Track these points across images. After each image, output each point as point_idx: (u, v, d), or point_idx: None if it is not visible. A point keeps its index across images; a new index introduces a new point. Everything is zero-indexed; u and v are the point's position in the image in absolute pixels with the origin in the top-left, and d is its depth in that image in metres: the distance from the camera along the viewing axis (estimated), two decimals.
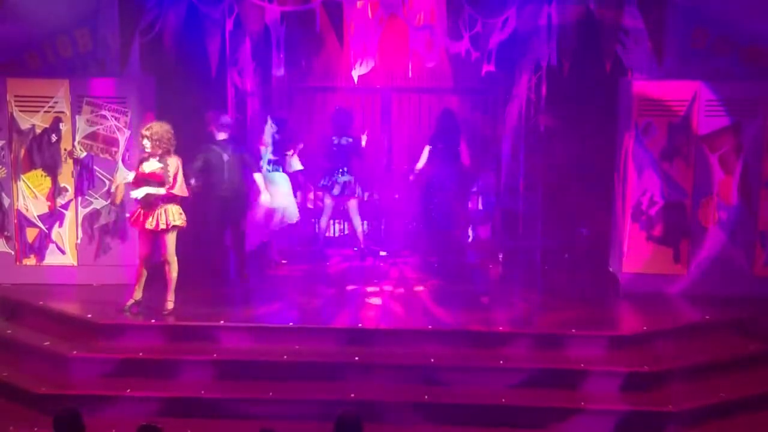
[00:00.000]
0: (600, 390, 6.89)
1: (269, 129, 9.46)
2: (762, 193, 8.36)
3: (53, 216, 8.67)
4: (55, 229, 8.68)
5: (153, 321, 7.63)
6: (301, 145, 9.82)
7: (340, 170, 9.68)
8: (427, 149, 9.66)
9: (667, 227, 8.46)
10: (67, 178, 8.61)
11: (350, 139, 9.72)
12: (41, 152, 8.57)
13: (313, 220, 10.45)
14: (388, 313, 8.14)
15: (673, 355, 7.28)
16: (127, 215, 8.33)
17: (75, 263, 8.70)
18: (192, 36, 8.39)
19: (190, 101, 9.04)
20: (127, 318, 7.68)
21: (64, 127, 8.53)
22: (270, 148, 9.42)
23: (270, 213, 9.40)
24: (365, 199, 10.31)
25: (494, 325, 7.77)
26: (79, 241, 8.68)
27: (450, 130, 9.59)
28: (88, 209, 8.65)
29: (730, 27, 8.18)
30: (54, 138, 8.55)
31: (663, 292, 8.41)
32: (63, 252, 8.70)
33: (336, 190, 9.69)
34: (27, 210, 8.65)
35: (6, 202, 8.64)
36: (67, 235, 8.68)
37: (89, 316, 7.70)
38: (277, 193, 9.34)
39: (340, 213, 10.32)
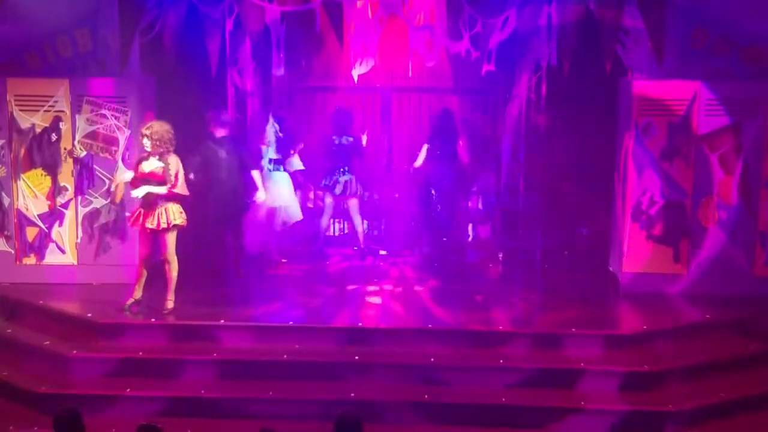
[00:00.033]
0: (600, 390, 6.89)
1: (271, 128, 9.46)
2: (762, 193, 8.36)
3: (53, 215, 8.67)
4: (55, 229, 8.68)
5: (153, 320, 7.63)
6: (301, 145, 9.82)
7: (341, 170, 9.69)
8: (425, 148, 9.67)
9: (667, 227, 8.46)
10: (67, 177, 8.61)
11: (351, 139, 9.72)
12: (41, 151, 8.57)
13: (313, 219, 10.44)
14: (388, 313, 8.14)
15: (673, 355, 7.28)
16: (127, 214, 8.34)
17: (75, 262, 8.71)
18: (192, 36, 8.40)
19: (190, 101, 9.06)
20: (127, 317, 7.67)
21: (64, 127, 8.53)
22: (273, 147, 9.42)
23: (272, 213, 9.41)
24: (365, 198, 10.31)
25: (494, 325, 7.77)
26: (79, 240, 8.68)
27: (447, 129, 9.60)
28: (88, 208, 8.66)
29: (730, 27, 8.18)
30: (54, 137, 8.56)
31: (663, 292, 8.42)
32: (63, 251, 8.70)
33: (338, 190, 9.70)
34: (27, 209, 8.65)
35: (6, 201, 8.64)
36: (67, 234, 8.68)
37: (89, 315, 7.70)
38: (278, 193, 9.36)
39: (341, 212, 10.33)
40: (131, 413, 6.59)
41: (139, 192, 7.52)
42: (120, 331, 7.53)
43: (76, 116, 8.50)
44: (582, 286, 8.85)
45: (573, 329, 7.44)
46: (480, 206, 10.60)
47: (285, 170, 9.52)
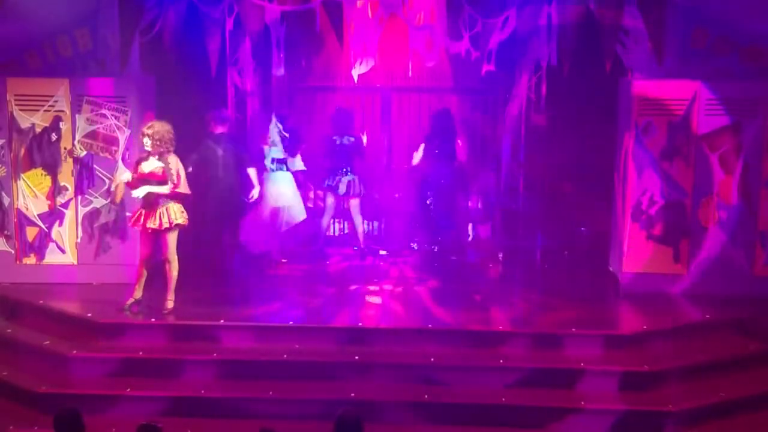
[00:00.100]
0: (600, 389, 6.89)
1: (274, 128, 9.47)
2: (762, 192, 8.36)
3: (53, 215, 8.67)
4: (55, 228, 8.68)
5: (153, 320, 7.63)
6: (303, 145, 9.83)
7: (344, 170, 9.68)
8: (422, 147, 9.69)
9: (667, 227, 8.46)
10: (67, 177, 8.61)
11: (352, 139, 9.72)
12: (41, 151, 8.57)
13: (313, 219, 10.44)
14: (388, 313, 8.14)
15: (673, 355, 7.28)
16: (128, 214, 8.35)
17: (75, 262, 8.71)
18: (192, 36, 8.40)
19: (190, 101, 9.07)
20: (127, 317, 7.67)
21: (64, 126, 8.53)
22: (280, 147, 9.43)
23: (275, 213, 9.42)
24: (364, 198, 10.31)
25: (494, 325, 7.77)
26: (79, 240, 8.68)
27: (446, 129, 9.61)
28: (88, 208, 8.65)
29: (730, 27, 8.18)
30: (54, 137, 8.55)
31: (663, 292, 8.41)
32: (63, 251, 8.70)
33: (341, 190, 9.69)
34: (27, 209, 8.65)
35: (6, 201, 8.64)
36: (67, 234, 8.68)
37: (89, 315, 7.70)
38: (281, 193, 9.38)
39: (341, 212, 10.33)
40: (131, 413, 6.58)
41: (140, 192, 7.52)
42: (120, 331, 7.53)
43: (76, 116, 8.50)
44: (582, 286, 8.86)
45: (573, 329, 7.44)
46: (480, 206, 10.60)
47: (288, 170, 9.53)
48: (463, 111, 10.57)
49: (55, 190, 8.62)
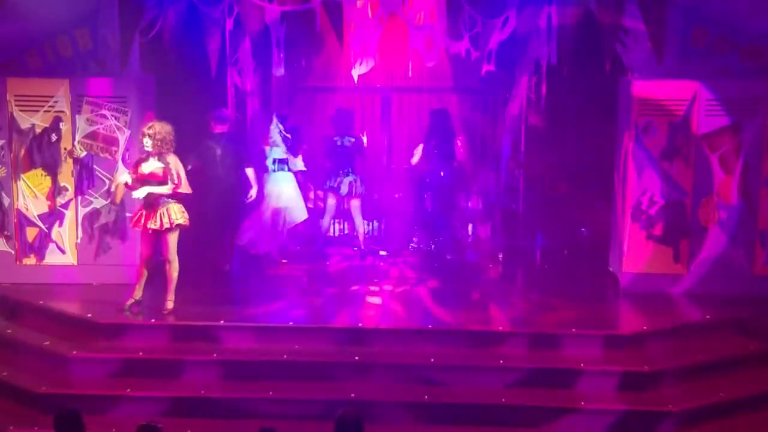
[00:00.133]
0: (600, 389, 6.89)
1: (275, 128, 9.47)
2: (762, 192, 8.36)
3: (53, 215, 8.66)
4: (55, 229, 8.68)
5: (153, 320, 7.63)
6: (304, 146, 9.83)
7: (346, 170, 9.67)
8: (420, 147, 9.71)
9: (667, 227, 8.46)
10: (67, 177, 8.61)
11: (352, 140, 9.71)
12: (41, 152, 8.57)
13: (313, 219, 10.45)
14: (388, 313, 8.14)
15: (673, 355, 7.28)
16: (128, 215, 8.35)
17: (75, 263, 8.70)
18: (192, 36, 8.40)
19: (190, 101, 9.07)
20: (127, 317, 7.67)
21: (64, 127, 8.53)
22: (282, 148, 9.43)
23: (276, 213, 9.43)
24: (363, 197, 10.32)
25: (494, 325, 7.78)
26: (79, 240, 8.68)
27: (444, 129, 9.62)
28: (88, 209, 8.65)
29: (730, 26, 8.18)
30: (54, 137, 8.55)
31: (663, 292, 8.41)
32: (63, 251, 8.70)
33: (344, 190, 9.68)
34: (27, 209, 8.65)
35: (6, 201, 8.64)
36: (67, 234, 8.68)
37: (89, 315, 7.71)
38: (281, 193, 9.39)
39: (342, 212, 10.33)
40: (131, 413, 6.59)
41: (140, 193, 7.51)
42: (120, 331, 7.53)
43: (76, 116, 8.50)
44: (582, 286, 8.85)
45: (573, 329, 7.44)
46: (480, 206, 10.60)
47: (289, 170, 9.53)
48: (463, 111, 10.57)
49: (55, 190, 8.62)
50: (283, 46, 9.09)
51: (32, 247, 8.69)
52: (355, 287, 8.86)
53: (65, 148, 8.55)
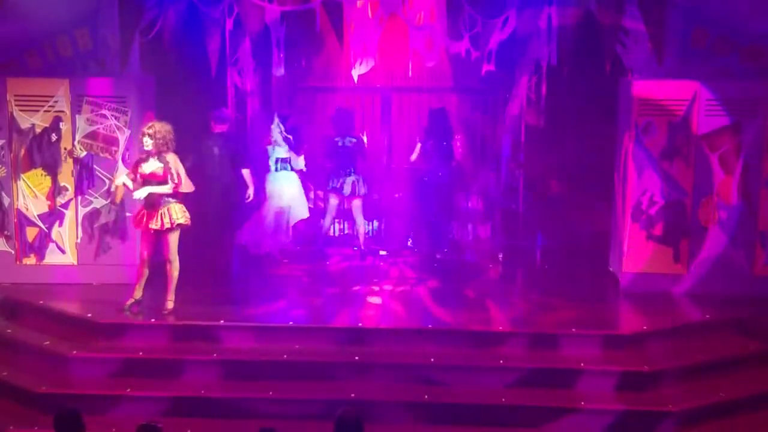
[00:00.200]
0: (600, 390, 6.89)
1: (276, 128, 9.47)
2: (762, 193, 8.36)
3: (53, 215, 8.66)
4: (55, 229, 8.68)
5: (153, 320, 7.63)
6: (305, 146, 9.84)
7: (348, 171, 9.66)
8: (418, 146, 9.71)
9: (667, 227, 8.46)
10: (67, 177, 8.61)
11: (353, 140, 9.71)
12: (41, 151, 8.57)
13: (313, 219, 10.45)
14: (388, 313, 8.14)
15: (673, 355, 7.28)
16: (128, 214, 8.36)
17: (75, 262, 8.70)
18: (192, 36, 8.41)
19: (190, 101, 9.07)
20: (127, 317, 7.67)
21: (64, 127, 8.53)
22: (284, 147, 9.44)
23: (279, 214, 9.43)
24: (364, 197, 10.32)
25: (494, 325, 7.77)
26: (79, 240, 8.68)
27: (441, 128, 9.62)
28: (88, 208, 8.65)
29: (730, 27, 8.18)
30: (54, 137, 8.55)
31: (663, 292, 8.41)
32: (63, 251, 8.70)
33: (346, 190, 9.68)
34: (27, 209, 8.65)
35: (6, 201, 8.64)
36: (67, 234, 8.68)
37: (89, 315, 7.70)
38: (285, 192, 9.39)
39: (342, 212, 10.32)
40: (131, 413, 6.59)
41: (141, 193, 7.51)
42: (120, 331, 7.53)
43: (76, 116, 8.50)
44: (582, 286, 8.85)
45: (573, 329, 7.44)
46: (480, 206, 10.60)
47: (292, 169, 9.53)
48: (463, 111, 10.57)
49: (55, 190, 8.62)
50: (283, 46, 9.09)
51: (32, 246, 8.69)
52: (355, 287, 8.86)
53: (65, 148, 8.55)
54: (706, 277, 8.42)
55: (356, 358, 7.14)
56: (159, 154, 7.50)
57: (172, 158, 7.55)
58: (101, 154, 8.57)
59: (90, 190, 8.63)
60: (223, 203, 8.91)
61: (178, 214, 7.54)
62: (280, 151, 9.44)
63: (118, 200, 8.57)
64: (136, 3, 8.15)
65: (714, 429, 6.66)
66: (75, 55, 8.54)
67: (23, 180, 8.61)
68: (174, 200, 7.56)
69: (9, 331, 7.84)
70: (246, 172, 9.04)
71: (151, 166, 7.54)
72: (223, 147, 8.90)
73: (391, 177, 10.70)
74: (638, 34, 8.34)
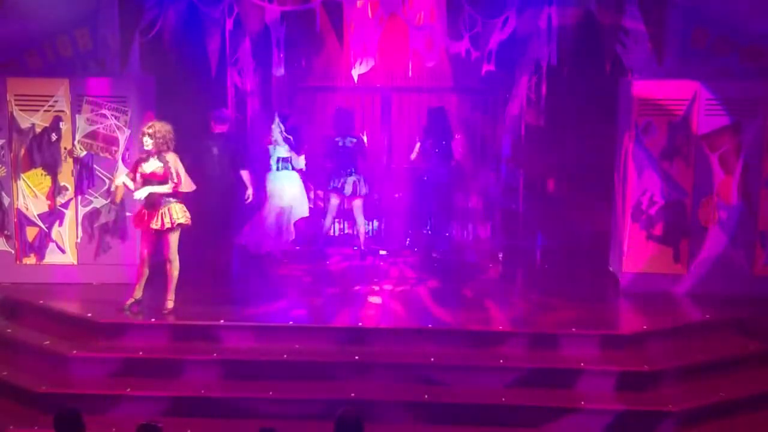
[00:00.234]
0: (600, 389, 6.89)
1: (276, 128, 9.47)
2: (762, 193, 8.36)
3: (53, 215, 8.66)
4: (55, 228, 8.68)
5: (153, 320, 7.63)
6: (306, 145, 9.84)
7: (349, 171, 9.66)
8: (417, 146, 9.72)
9: (667, 227, 8.47)
10: (67, 177, 8.61)
11: (354, 140, 9.70)
12: (41, 151, 8.57)
13: (313, 219, 10.45)
14: (388, 313, 8.14)
15: (673, 355, 7.28)
16: (128, 214, 8.36)
17: (75, 262, 8.70)
18: (192, 36, 8.41)
19: (190, 101, 9.07)
20: (128, 317, 7.67)
21: (64, 126, 8.53)
22: (285, 147, 9.44)
23: (281, 214, 9.43)
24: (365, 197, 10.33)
25: (494, 325, 7.77)
26: (79, 240, 8.68)
27: (439, 127, 9.62)
28: (88, 208, 8.65)
29: (730, 27, 8.18)
30: (54, 137, 8.55)
31: (663, 292, 8.41)
32: (63, 251, 8.70)
33: (348, 190, 9.67)
34: (27, 209, 8.65)
35: (6, 201, 8.64)
36: (67, 234, 8.68)
37: (89, 315, 7.70)
38: (286, 191, 9.40)
39: (342, 212, 10.33)
40: (131, 413, 6.59)
41: (142, 193, 7.51)
42: (120, 330, 7.53)
43: (76, 116, 8.50)
44: (582, 286, 8.85)
45: (573, 329, 7.44)
46: (480, 206, 10.60)
47: (293, 169, 9.54)
48: (463, 111, 10.57)
49: (55, 190, 8.62)
50: (283, 46, 9.10)
51: (32, 246, 8.69)
52: (355, 287, 8.86)
53: (65, 148, 8.55)
54: (706, 277, 8.42)
55: (356, 357, 7.14)
56: (159, 153, 7.51)
57: (172, 158, 7.55)
58: (101, 154, 8.57)
59: (90, 190, 8.63)
60: (223, 203, 8.93)
61: (178, 213, 7.54)
62: (282, 150, 9.44)
63: (118, 200, 8.57)
64: (136, 3, 8.15)
65: (714, 429, 6.66)
66: (75, 55, 8.54)
67: (23, 180, 8.61)
68: (174, 200, 7.56)
69: (9, 330, 7.84)
70: (245, 174, 9.05)
71: (152, 165, 7.54)
72: (223, 147, 8.93)
73: (391, 177, 10.70)
74: (638, 34, 8.34)
